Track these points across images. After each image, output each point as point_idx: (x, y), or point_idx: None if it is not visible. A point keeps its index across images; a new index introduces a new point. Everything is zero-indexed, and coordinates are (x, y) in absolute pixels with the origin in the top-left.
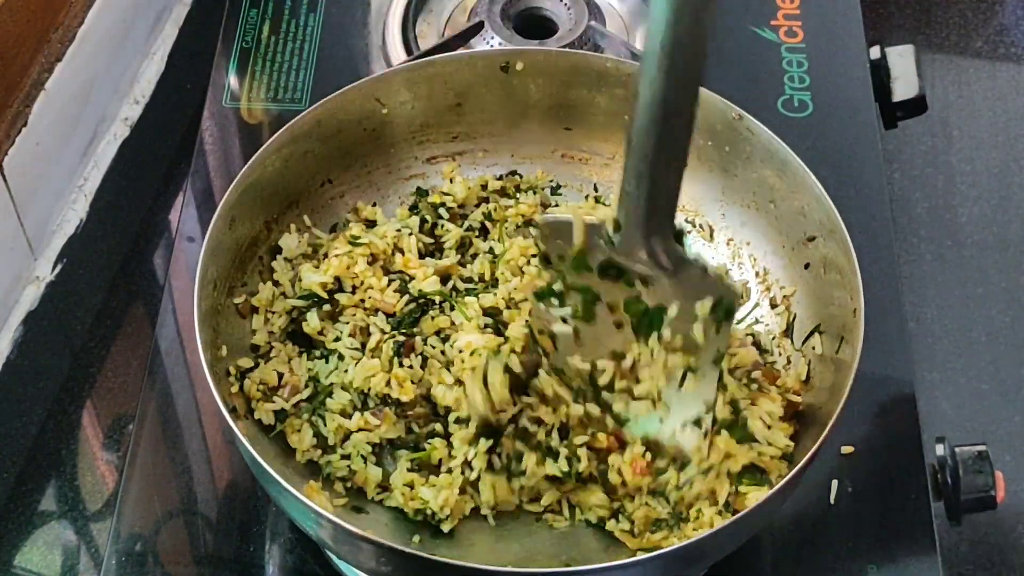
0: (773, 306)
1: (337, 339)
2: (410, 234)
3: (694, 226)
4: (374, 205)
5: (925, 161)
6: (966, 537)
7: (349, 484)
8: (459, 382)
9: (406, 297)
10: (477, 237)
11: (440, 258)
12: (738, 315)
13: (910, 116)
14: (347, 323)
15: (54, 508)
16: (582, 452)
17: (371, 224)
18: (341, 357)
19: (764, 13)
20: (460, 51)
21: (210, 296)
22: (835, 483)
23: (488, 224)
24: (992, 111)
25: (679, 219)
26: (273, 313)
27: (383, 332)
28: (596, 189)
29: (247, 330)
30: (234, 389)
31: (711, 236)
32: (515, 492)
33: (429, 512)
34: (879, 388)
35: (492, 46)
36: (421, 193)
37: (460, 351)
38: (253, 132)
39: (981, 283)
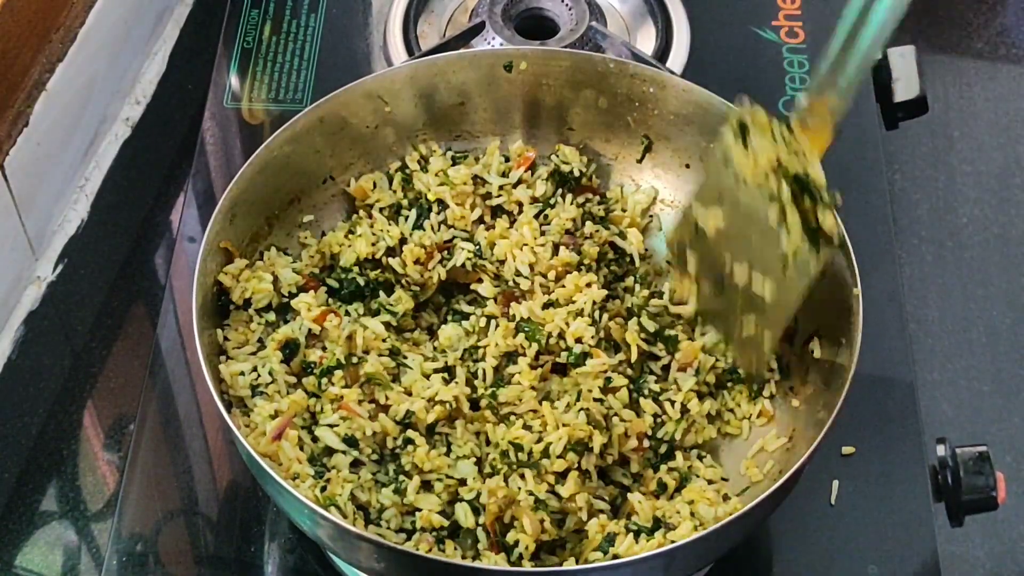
0: None
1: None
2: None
3: None
4: (376, 207)
5: (926, 162)
6: (967, 538)
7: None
8: None
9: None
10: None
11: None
12: None
13: (911, 117)
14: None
15: (55, 508)
16: None
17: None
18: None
19: (765, 13)
20: (463, 50)
21: (209, 291)
22: (836, 484)
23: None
24: (993, 112)
25: None
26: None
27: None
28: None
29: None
30: (233, 385)
31: None
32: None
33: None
34: (880, 389)
35: (493, 46)
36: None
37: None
38: (254, 132)
39: (982, 284)
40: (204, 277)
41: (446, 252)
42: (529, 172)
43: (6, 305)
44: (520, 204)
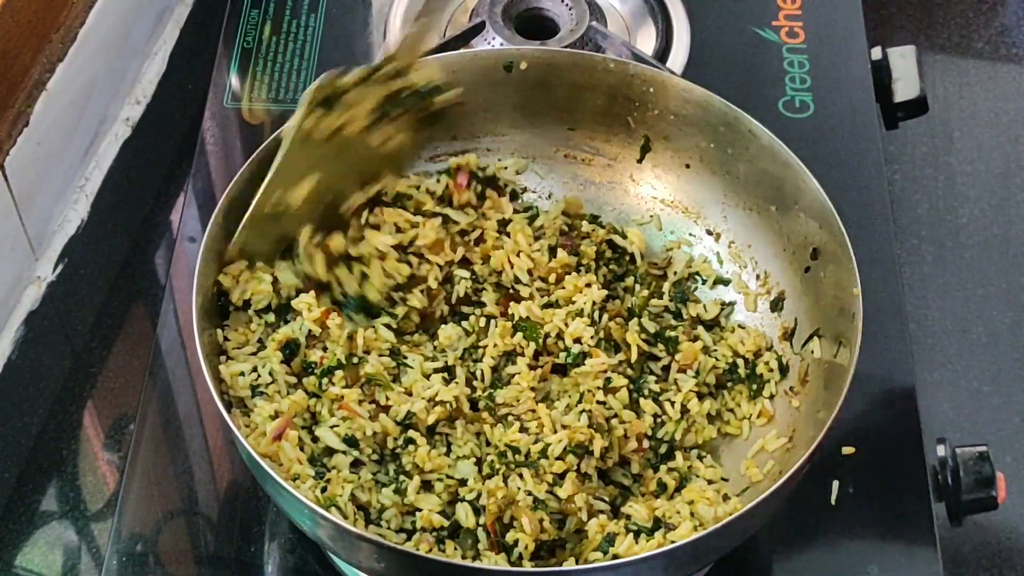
0: (774, 309)
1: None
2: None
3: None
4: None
5: (926, 162)
6: (967, 538)
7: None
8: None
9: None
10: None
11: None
12: (739, 316)
13: (911, 117)
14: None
15: (55, 508)
16: None
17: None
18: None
19: (765, 13)
20: (463, 50)
21: (209, 292)
22: (836, 484)
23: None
24: (993, 112)
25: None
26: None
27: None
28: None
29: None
30: (233, 385)
31: (716, 239)
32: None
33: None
34: (880, 389)
35: (493, 46)
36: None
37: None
38: (254, 132)
39: (982, 284)
40: (204, 278)
41: (448, 284)
42: (465, 185)
43: (6, 305)
44: (498, 221)
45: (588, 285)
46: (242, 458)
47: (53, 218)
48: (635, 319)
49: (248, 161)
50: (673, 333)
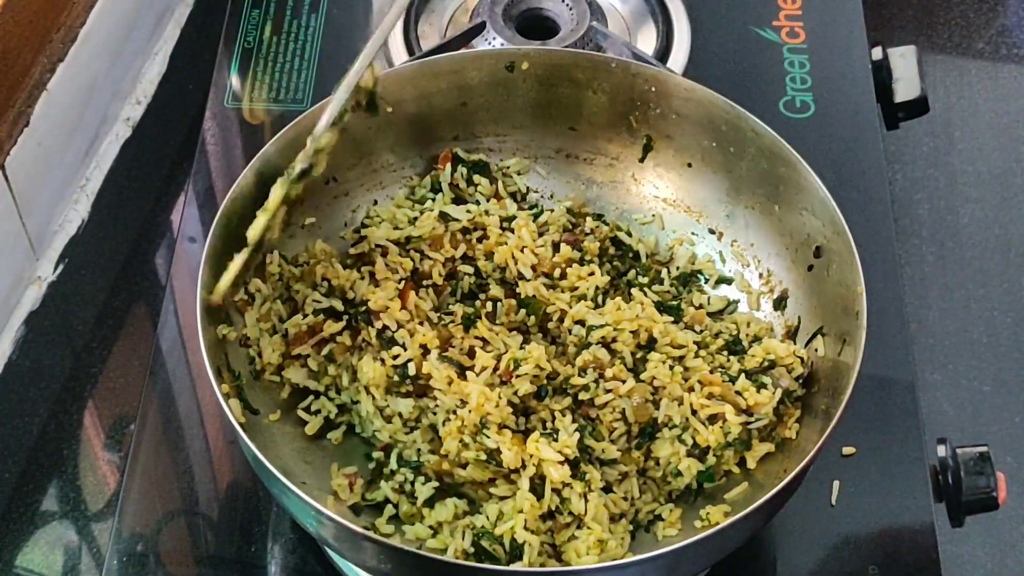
0: (776, 308)
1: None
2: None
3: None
4: (375, 203)
5: (927, 162)
6: (967, 538)
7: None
8: None
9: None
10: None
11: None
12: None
13: (912, 117)
14: None
15: (56, 508)
16: None
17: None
18: None
19: (766, 14)
20: (464, 51)
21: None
22: (836, 484)
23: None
24: (994, 112)
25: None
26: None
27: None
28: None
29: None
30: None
31: (718, 238)
32: None
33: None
34: (881, 389)
35: (494, 46)
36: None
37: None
38: (255, 132)
39: (983, 284)
40: (207, 283)
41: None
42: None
43: (7, 305)
44: (501, 218)
45: (591, 274)
46: (242, 458)
47: (54, 218)
48: (637, 287)
49: (248, 165)
50: (675, 303)
